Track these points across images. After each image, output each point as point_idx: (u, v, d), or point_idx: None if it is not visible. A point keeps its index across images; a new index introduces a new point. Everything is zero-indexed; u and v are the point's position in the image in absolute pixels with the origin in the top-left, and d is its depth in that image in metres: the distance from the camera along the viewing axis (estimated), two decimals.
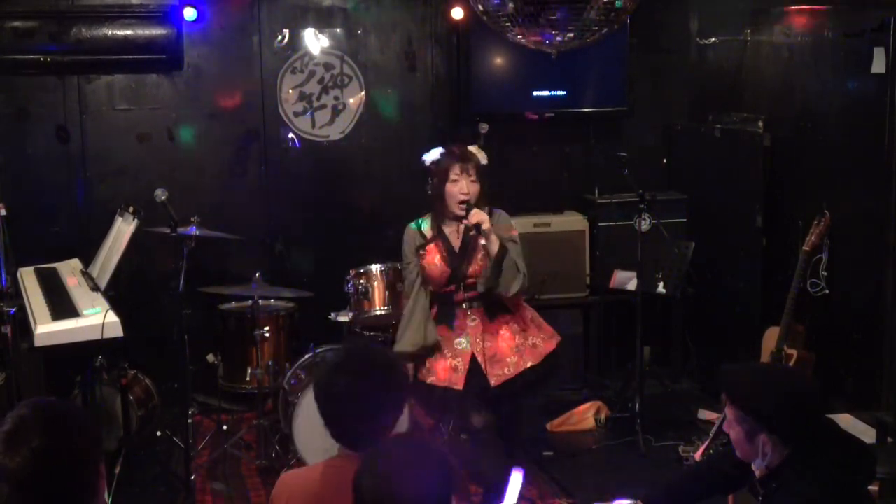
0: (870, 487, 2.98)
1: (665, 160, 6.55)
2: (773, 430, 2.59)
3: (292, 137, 5.98)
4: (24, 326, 4.06)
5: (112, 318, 4.08)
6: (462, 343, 4.12)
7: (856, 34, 4.81)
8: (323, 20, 6.02)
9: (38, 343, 3.99)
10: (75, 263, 5.20)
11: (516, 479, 2.49)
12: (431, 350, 4.13)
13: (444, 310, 4.20)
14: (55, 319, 4.11)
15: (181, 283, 4.54)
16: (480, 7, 3.89)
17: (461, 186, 4.08)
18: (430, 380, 4.11)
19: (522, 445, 4.45)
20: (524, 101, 6.12)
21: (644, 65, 6.37)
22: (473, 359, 4.09)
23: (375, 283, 5.00)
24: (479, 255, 4.10)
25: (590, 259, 6.09)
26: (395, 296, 4.92)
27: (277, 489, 2.56)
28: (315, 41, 6.01)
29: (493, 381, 4.04)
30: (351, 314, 5.02)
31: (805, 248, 4.81)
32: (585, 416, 5.56)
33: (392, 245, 4.57)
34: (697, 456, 4.57)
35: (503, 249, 4.01)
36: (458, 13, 5.93)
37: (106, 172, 5.80)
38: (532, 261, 5.82)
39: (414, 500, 2.04)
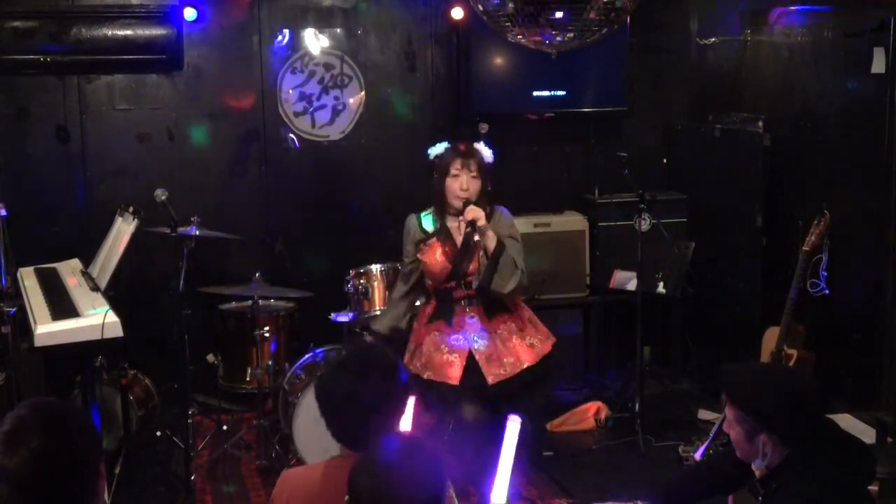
0: (870, 487, 2.98)
1: (665, 160, 6.55)
2: (773, 430, 2.59)
3: (292, 137, 5.98)
4: (24, 326, 4.06)
5: (112, 318, 4.08)
6: (459, 340, 4.13)
7: (856, 34, 4.81)
8: (323, 20, 6.02)
9: (38, 343, 3.99)
10: (75, 263, 5.19)
11: (513, 427, 2.48)
12: (402, 334, 4.20)
13: (443, 306, 4.21)
14: (55, 319, 4.11)
15: (181, 283, 4.54)
16: (480, 7, 3.89)
17: (461, 182, 4.08)
18: (425, 375, 4.11)
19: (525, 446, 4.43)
20: (524, 101, 6.12)
21: (644, 65, 6.37)
22: (471, 356, 4.09)
23: (375, 283, 5.01)
24: (481, 253, 4.10)
25: (590, 259, 6.09)
26: None
27: (279, 487, 2.56)
28: (315, 41, 6.01)
29: (490, 380, 4.05)
30: (351, 314, 5.02)
31: (805, 248, 4.81)
32: (585, 416, 5.56)
33: (392, 245, 4.58)
34: (697, 456, 4.57)
35: (500, 246, 4.01)
36: (458, 13, 5.93)
37: (106, 172, 5.80)
38: (532, 261, 5.86)
39: (408, 497, 2.05)
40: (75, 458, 2.00)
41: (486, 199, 4.15)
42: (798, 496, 2.55)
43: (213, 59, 5.89)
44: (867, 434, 4.27)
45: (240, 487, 4.82)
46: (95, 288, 4.57)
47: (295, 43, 5.98)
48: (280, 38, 5.95)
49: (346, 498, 2.09)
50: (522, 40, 3.88)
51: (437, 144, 4.24)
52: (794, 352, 4.78)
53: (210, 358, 5.21)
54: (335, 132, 6.08)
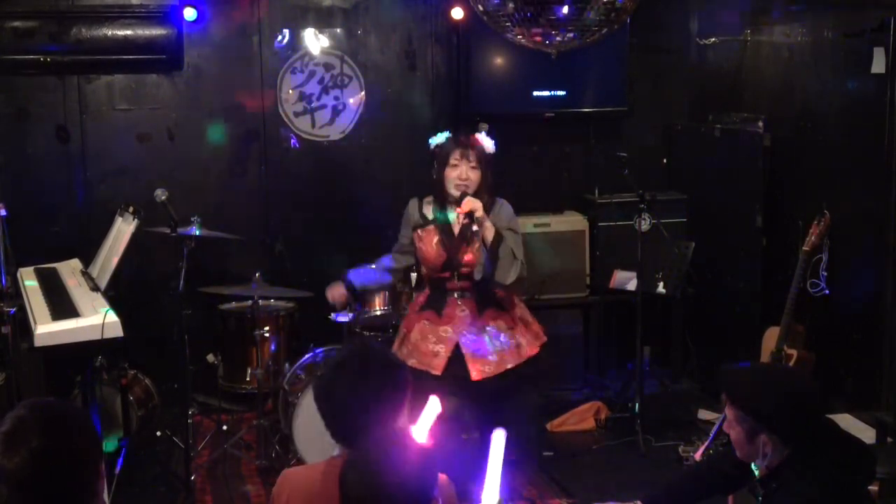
0: (870, 487, 2.98)
1: (665, 160, 6.55)
2: (773, 430, 2.59)
3: (292, 137, 5.98)
4: (24, 326, 4.05)
5: (112, 318, 4.08)
6: (448, 331, 4.12)
7: (856, 34, 4.81)
8: (323, 20, 6.02)
9: (38, 343, 3.99)
10: (75, 263, 5.19)
11: (498, 440, 2.48)
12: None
13: (436, 295, 4.22)
14: (55, 319, 4.11)
15: (181, 283, 4.54)
16: (480, 7, 3.89)
17: (460, 172, 4.09)
18: (410, 362, 4.10)
19: (523, 448, 4.42)
20: (524, 101, 6.12)
21: (644, 65, 6.37)
22: (457, 348, 4.09)
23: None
24: (477, 245, 4.10)
25: (590, 259, 6.09)
26: (396, 296, 4.93)
27: (278, 486, 2.56)
28: (315, 41, 6.01)
29: (474, 375, 4.04)
30: (351, 314, 5.02)
31: (805, 248, 4.81)
32: (585, 416, 5.56)
33: (392, 245, 4.58)
34: (697, 456, 4.56)
35: (499, 238, 4.01)
36: (458, 13, 5.93)
37: (106, 172, 5.80)
38: (532, 261, 5.87)
39: (397, 493, 2.06)
40: (75, 458, 2.00)
41: (486, 191, 4.14)
42: (798, 496, 2.54)
43: (213, 59, 5.89)
44: (867, 434, 4.27)
45: (240, 487, 4.81)
46: (95, 288, 4.57)
47: (295, 43, 5.98)
48: (280, 38, 5.95)
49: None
50: (522, 40, 3.88)
51: (439, 134, 4.24)
52: (794, 352, 4.78)
53: (210, 358, 5.21)
54: (335, 132, 6.08)
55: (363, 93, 6.08)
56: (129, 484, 4.64)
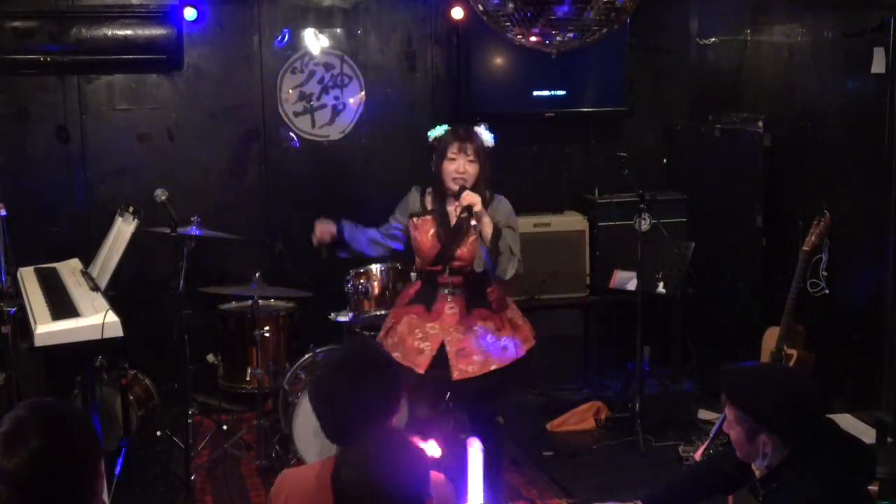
0: (870, 487, 2.99)
1: (665, 160, 6.55)
2: (774, 430, 2.59)
3: (292, 136, 5.98)
4: (24, 326, 4.05)
5: (112, 318, 4.08)
6: (435, 328, 4.11)
7: (856, 34, 4.81)
8: (323, 20, 6.02)
9: (38, 343, 3.99)
10: (75, 263, 5.19)
11: (475, 451, 2.49)
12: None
13: (427, 289, 4.21)
14: (55, 319, 4.11)
15: (181, 283, 4.54)
16: (480, 7, 3.89)
17: (457, 165, 4.08)
18: (395, 354, 4.08)
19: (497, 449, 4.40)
20: (524, 101, 6.12)
21: (644, 65, 6.37)
22: (442, 346, 4.08)
23: (375, 283, 5.00)
24: (471, 239, 4.09)
25: (590, 259, 6.09)
26: (395, 296, 4.92)
27: (277, 486, 2.56)
28: (315, 41, 6.01)
29: (455, 375, 4.02)
30: (351, 314, 5.02)
31: (805, 248, 4.81)
32: (585, 416, 5.56)
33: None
34: (697, 456, 4.57)
35: (497, 232, 4.00)
36: (458, 13, 5.93)
37: (106, 172, 5.80)
38: (532, 261, 5.85)
39: (389, 491, 2.06)
40: (74, 458, 2.00)
41: (485, 184, 4.13)
42: (798, 496, 2.55)
43: (213, 59, 5.89)
44: (867, 434, 4.27)
45: (240, 487, 4.81)
46: (95, 288, 4.57)
47: (295, 43, 5.98)
48: (280, 38, 5.95)
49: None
50: (522, 40, 3.88)
51: (437, 127, 4.24)
52: (794, 352, 4.78)
53: (210, 358, 5.21)
54: (335, 132, 6.08)
55: (363, 93, 6.08)
56: (129, 484, 4.64)
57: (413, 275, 4.75)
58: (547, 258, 5.90)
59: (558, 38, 3.78)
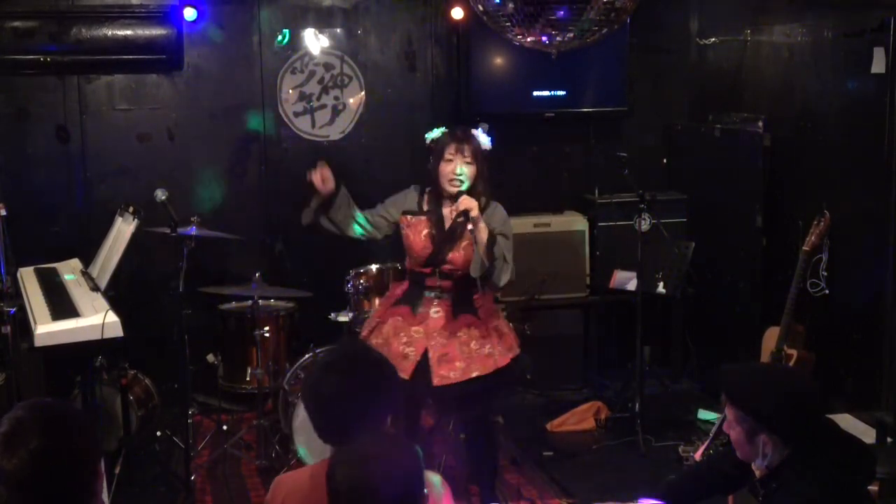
0: (870, 487, 2.99)
1: (665, 160, 6.55)
2: (774, 430, 2.59)
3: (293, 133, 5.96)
4: (24, 326, 4.06)
5: (112, 318, 4.08)
6: (420, 332, 4.10)
7: (856, 34, 4.81)
8: (323, 20, 6.02)
9: (38, 343, 3.99)
10: (75, 263, 5.20)
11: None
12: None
13: (414, 290, 4.20)
14: (55, 319, 4.11)
15: (181, 283, 4.54)
16: (480, 7, 3.89)
17: (454, 166, 4.07)
18: None
19: (493, 471, 4.38)
20: (524, 101, 6.12)
21: (644, 65, 6.37)
22: (426, 352, 4.07)
23: (375, 284, 5.01)
24: (464, 244, 4.09)
25: (590, 259, 6.09)
26: None
27: (272, 493, 2.55)
28: (315, 41, 6.01)
29: (435, 381, 4.00)
30: (351, 314, 5.03)
31: (805, 248, 4.81)
32: (585, 416, 5.56)
33: (392, 245, 4.57)
34: (697, 456, 4.57)
35: (493, 238, 3.99)
36: (458, 13, 5.93)
37: (106, 172, 5.80)
38: (532, 261, 5.87)
39: (386, 488, 2.06)
40: (73, 458, 2.00)
41: (482, 188, 4.12)
42: (798, 496, 2.55)
43: (213, 59, 5.89)
44: (867, 434, 4.27)
45: (240, 487, 4.81)
46: (95, 288, 4.57)
47: (295, 43, 5.98)
48: (280, 38, 5.95)
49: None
50: (522, 40, 3.88)
51: (435, 129, 4.24)
52: (794, 352, 4.78)
53: (210, 358, 5.21)
54: (335, 132, 6.08)
55: (363, 93, 6.08)
56: (129, 484, 4.64)
57: None
58: (547, 258, 5.90)
59: (558, 39, 3.78)
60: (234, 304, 5.45)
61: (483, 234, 3.93)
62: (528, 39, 3.84)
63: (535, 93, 6.12)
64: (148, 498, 4.66)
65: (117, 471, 4.55)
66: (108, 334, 4.07)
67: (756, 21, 5.80)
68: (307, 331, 5.38)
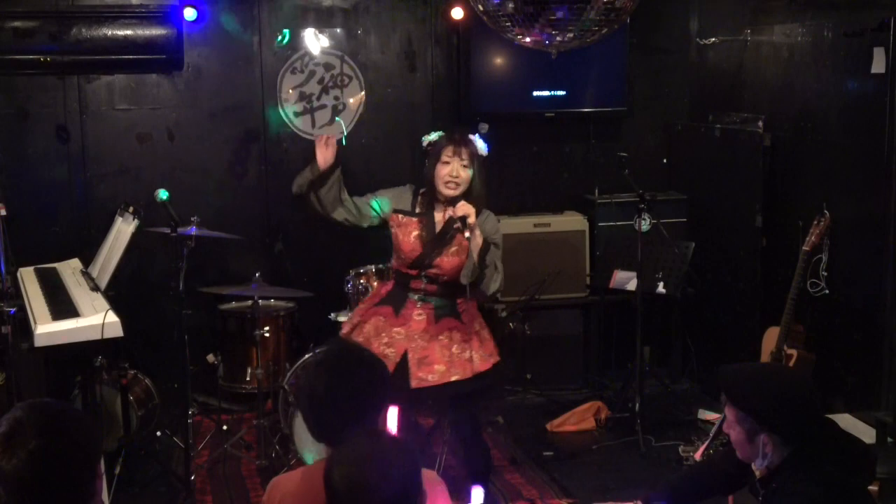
0: (870, 487, 2.98)
1: (665, 160, 6.55)
2: (774, 430, 2.59)
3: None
4: (24, 326, 4.06)
5: (112, 318, 4.08)
6: (401, 334, 4.10)
7: (856, 34, 4.81)
8: (323, 20, 6.02)
9: (38, 343, 3.99)
10: (75, 263, 5.20)
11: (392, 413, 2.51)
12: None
13: (398, 291, 4.20)
14: (55, 319, 4.11)
15: (181, 283, 4.54)
16: (480, 7, 3.89)
17: (451, 169, 4.07)
18: None
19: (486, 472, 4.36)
20: (524, 101, 6.13)
21: (644, 65, 6.37)
22: (405, 353, 4.07)
23: (375, 283, 5.01)
24: (452, 249, 4.09)
25: (590, 259, 6.09)
26: None
27: (268, 494, 2.55)
28: (315, 41, 6.01)
29: (412, 383, 3.99)
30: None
31: (805, 248, 4.81)
32: (585, 416, 5.56)
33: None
34: (697, 456, 4.57)
35: (486, 245, 3.99)
36: (458, 13, 5.93)
37: (106, 172, 5.80)
38: (532, 261, 5.88)
39: (383, 487, 2.07)
40: (73, 458, 2.00)
41: (476, 193, 4.11)
42: (798, 496, 2.54)
43: (213, 59, 5.89)
44: (867, 434, 4.26)
45: (240, 487, 4.82)
46: (95, 288, 4.58)
47: (295, 43, 5.98)
48: (280, 38, 5.95)
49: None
50: (522, 40, 3.88)
51: (432, 133, 4.24)
52: (794, 352, 4.78)
53: (210, 358, 5.22)
54: (335, 132, 6.07)
55: (363, 93, 6.08)
56: (129, 484, 4.64)
57: None
58: (547, 258, 5.91)
59: (558, 38, 3.78)
60: (234, 304, 5.45)
61: (478, 241, 3.93)
62: (528, 39, 3.84)
63: (535, 93, 6.12)
64: (148, 498, 4.66)
65: (117, 471, 4.55)
66: (108, 334, 4.07)
67: (756, 21, 5.80)
68: (307, 331, 5.38)
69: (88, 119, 5.75)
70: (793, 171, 5.41)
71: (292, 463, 4.71)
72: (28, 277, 4.86)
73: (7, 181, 5.45)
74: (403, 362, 4.04)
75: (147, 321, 5.41)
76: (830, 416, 4.00)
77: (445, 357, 4.05)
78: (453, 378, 4.03)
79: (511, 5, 3.72)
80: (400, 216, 4.19)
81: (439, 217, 4.14)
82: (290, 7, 5.96)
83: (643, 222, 5.37)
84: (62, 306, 4.30)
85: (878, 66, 4.65)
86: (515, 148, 6.25)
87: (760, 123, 5.61)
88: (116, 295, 4.60)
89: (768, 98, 5.66)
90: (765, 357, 4.89)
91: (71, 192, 5.76)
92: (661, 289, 5.42)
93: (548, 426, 5.53)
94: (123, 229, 4.78)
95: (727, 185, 5.86)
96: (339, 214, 4.27)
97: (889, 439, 4.27)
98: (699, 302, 6.01)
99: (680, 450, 5.08)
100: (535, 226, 6.01)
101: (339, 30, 6.05)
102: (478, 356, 4.10)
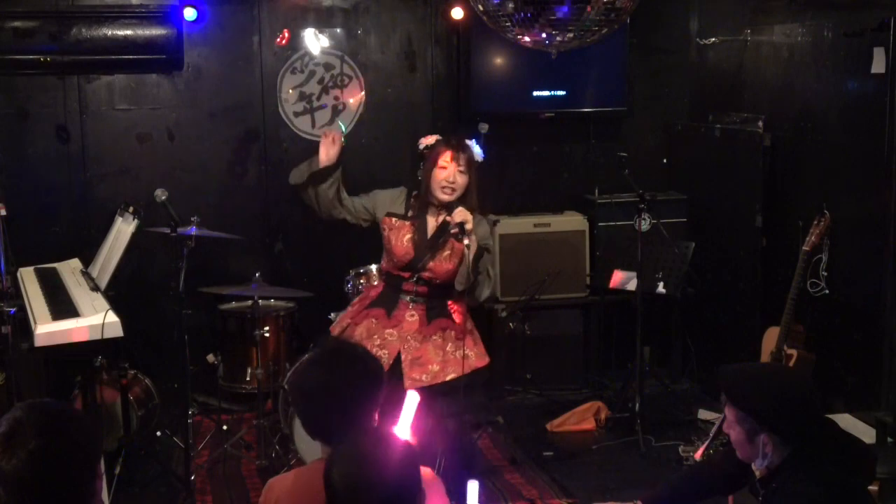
0: (870, 487, 2.99)
1: (665, 160, 6.55)
2: (774, 430, 2.59)
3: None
4: (24, 326, 4.06)
5: (112, 318, 4.08)
6: (393, 335, 4.10)
7: (856, 34, 4.81)
8: (323, 20, 6.02)
9: (38, 343, 3.99)
10: (75, 263, 5.20)
11: (411, 398, 2.52)
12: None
13: (389, 292, 4.20)
14: (55, 319, 4.11)
15: (181, 283, 4.54)
16: (480, 7, 3.89)
17: (448, 174, 4.07)
18: None
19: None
20: (524, 101, 6.13)
21: (644, 65, 6.37)
22: (399, 355, 4.06)
23: (375, 283, 5.00)
24: (445, 254, 4.09)
25: (590, 259, 6.09)
26: None
27: (265, 496, 2.54)
28: (315, 41, 6.01)
29: (406, 384, 3.97)
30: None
31: (805, 248, 4.81)
32: (585, 416, 5.56)
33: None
34: (697, 456, 4.56)
35: (480, 252, 4.00)
36: (458, 13, 5.93)
37: (106, 172, 5.80)
38: (532, 261, 5.88)
39: (383, 486, 2.07)
40: (73, 458, 2.00)
41: (471, 199, 4.12)
42: (798, 496, 2.54)
43: (213, 59, 5.89)
44: (867, 434, 4.27)
45: (240, 487, 4.82)
46: (95, 288, 4.58)
47: (295, 43, 5.98)
48: (280, 38, 5.95)
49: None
50: (523, 40, 3.88)
51: (429, 136, 4.24)
52: (794, 352, 4.78)
53: (210, 358, 5.22)
54: (335, 132, 6.07)
55: (363, 93, 6.08)
56: (129, 484, 4.64)
57: None
58: (547, 258, 5.91)
59: (558, 38, 3.78)
60: (234, 304, 5.45)
61: (474, 248, 3.93)
62: (528, 39, 3.84)
63: (535, 93, 6.12)
64: (148, 498, 4.66)
65: (117, 471, 4.54)
66: (108, 334, 4.07)
67: (756, 21, 5.80)
68: (307, 331, 5.38)
69: (88, 119, 5.75)
70: (793, 171, 5.41)
71: (292, 463, 4.71)
72: (28, 277, 4.86)
73: (7, 181, 5.44)
74: (397, 364, 4.04)
75: (147, 321, 5.41)
76: (830, 416, 4.00)
77: (439, 357, 4.05)
78: (449, 377, 4.04)
79: (511, 5, 3.72)
80: (393, 219, 4.19)
81: (432, 221, 4.15)
82: (290, 7, 5.95)
83: (643, 222, 5.37)
84: (62, 306, 4.30)
85: (878, 66, 4.65)
86: (515, 148, 6.25)
87: (760, 123, 5.61)
88: (116, 295, 4.60)
89: (768, 98, 5.66)
90: (765, 357, 4.88)
91: (71, 192, 5.76)
92: (661, 289, 5.42)
93: (548, 426, 5.53)
94: (123, 229, 4.78)
95: (727, 185, 5.86)
96: (339, 214, 4.28)
97: (889, 439, 4.27)
98: (699, 302, 6.01)
99: (680, 450, 5.08)
100: (535, 226, 6.01)
101: (339, 30, 6.05)
102: (473, 353, 4.11)
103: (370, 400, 2.51)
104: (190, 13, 5.54)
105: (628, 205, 5.72)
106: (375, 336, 4.10)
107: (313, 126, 6.04)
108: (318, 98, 6.04)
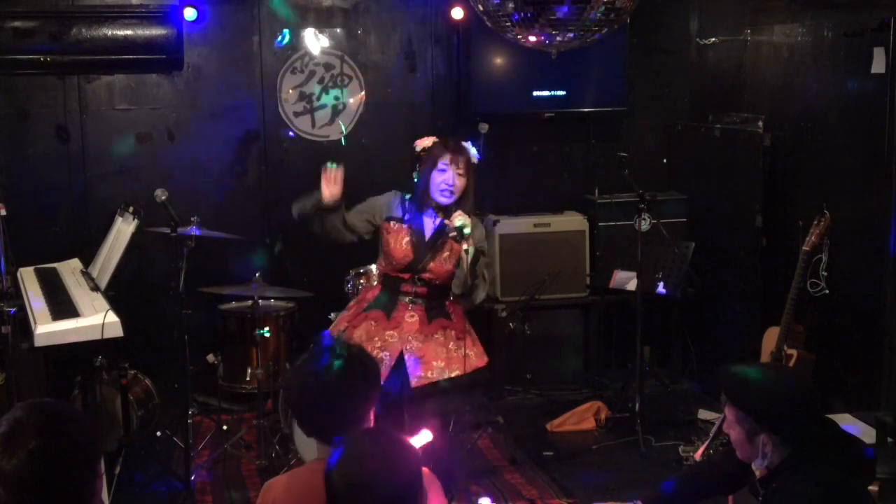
0: (870, 487, 2.98)
1: (665, 160, 6.55)
2: (774, 430, 2.59)
3: (290, 132, 5.94)
4: (24, 326, 4.06)
5: (112, 318, 4.08)
6: (394, 336, 4.10)
7: (856, 34, 4.81)
8: (323, 20, 6.02)
9: (38, 343, 3.99)
10: (75, 263, 5.20)
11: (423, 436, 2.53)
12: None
13: (389, 294, 4.20)
14: (55, 319, 4.11)
15: (181, 283, 4.54)
16: (480, 7, 3.89)
17: (447, 176, 4.08)
18: None
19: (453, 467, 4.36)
20: (524, 101, 6.13)
21: (644, 65, 6.37)
22: (401, 355, 4.06)
23: (375, 283, 5.00)
24: (444, 255, 4.09)
25: (590, 259, 6.09)
26: None
27: (262, 497, 2.54)
28: (315, 41, 6.01)
29: (413, 382, 4.00)
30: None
31: (805, 248, 4.81)
32: (585, 416, 5.56)
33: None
34: (697, 456, 4.57)
35: (478, 255, 4.00)
36: (458, 13, 5.93)
37: (106, 172, 5.80)
38: (532, 261, 5.88)
39: (384, 486, 2.06)
40: (73, 458, 2.00)
41: (469, 201, 4.12)
42: (798, 496, 2.54)
43: (212, 59, 5.89)
44: (867, 434, 4.26)
45: (240, 487, 4.81)
46: (95, 288, 4.58)
47: (295, 43, 5.98)
48: (280, 38, 5.95)
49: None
50: (523, 39, 3.88)
51: (425, 138, 4.24)
52: (794, 352, 4.78)
53: (210, 358, 5.21)
54: (335, 132, 6.08)
55: (363, 93, 6.08)
56: (129, 484, 4.64)
57: None
58: (547, 258, 5.91)
59: (558, 38, 3.78)
60: (234, 304, 5.45)
61: (472, 252, 3.94)
62: (533, 38, 3.84)
63: (535, 93, 6.12)
64: (148, 498, 4.66)
65: (117, 471, 4.55)
66: (108, 334, 4.07)
67: (756, 21, 5.80)
68: (307, 331, 5.38)
69: (88, 119, 5.75)
70: (793, 171, 5.41)
71: (292, 463, 4.71)
72: (28, 277, 4.86)
73: (7, 181, 5.45)
74: (399, 364, 4.04)
75: (147, 321, 5.41)
76: (830, 416, 4.00)
77: (443, 354, 4.07)
78: (453, 374, 4.05)
79: (511, 5, 3.72)
80: (392, 223, 4.19)
81: (428, 223, 4.16)
82: (289, 7, 5.95)
83: (643, 222, 5.37)
84: (62, 306, 4.30)
85: (878, 66, 4.65)
86: (515, 148, 6.25)
87: (760, 123, 5.61)
88: (116, 295, 4.60)
89: (768, 98, 5.66)
90: (765, 357, 4.88)
91: (71, 192, 5.76)
92: (661, 289, 5.42)
93: (548, 426, 5.53)
94: (123, 229, 4.78)
95: (727, 185, 5.86)
96: (346, 238, 4.27)
97: (889, 439, 4.27)
98: (699, 302, 6.01)
99: (680, 450, 5.08)
100: (535, 226, 6.01)
101: (339, 30, 6.05)
102: (473, 352, 4.12)
103: (366, 398, 2.51)
104: (190, 13, 5.54)
105: (628, 205, 5.72)
106: (376, 338, 4.11)
107: (313, 126, 6.04)
108: (319, 98, 6.03)
